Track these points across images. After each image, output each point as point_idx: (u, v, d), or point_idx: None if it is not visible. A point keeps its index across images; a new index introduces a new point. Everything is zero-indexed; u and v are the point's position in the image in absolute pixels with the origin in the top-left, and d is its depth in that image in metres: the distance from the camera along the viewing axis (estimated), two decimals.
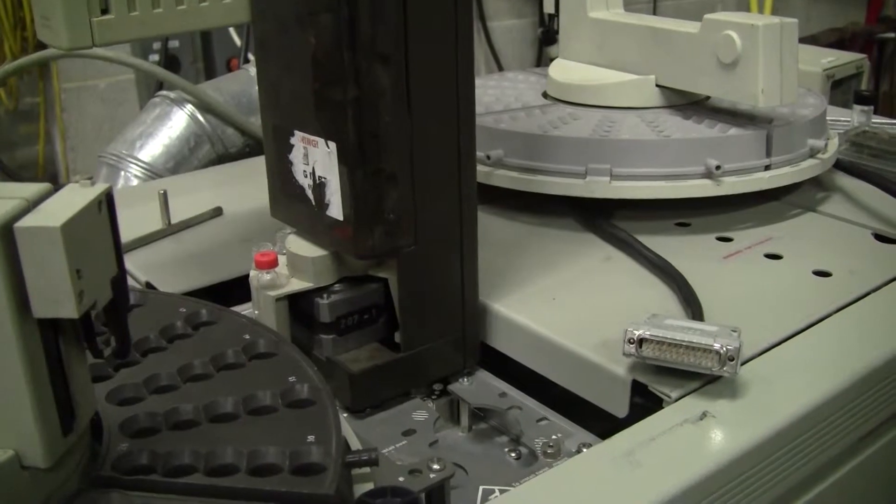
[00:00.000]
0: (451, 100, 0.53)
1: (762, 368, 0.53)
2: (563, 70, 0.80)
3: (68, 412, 0.36)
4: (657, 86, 0.75)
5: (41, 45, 1.94)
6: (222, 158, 0.89)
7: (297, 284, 0.57)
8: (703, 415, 0.49)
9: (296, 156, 0.56)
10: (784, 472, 0.49)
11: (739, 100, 0.70)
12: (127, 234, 0.69)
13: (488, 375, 0.60)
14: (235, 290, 0.67)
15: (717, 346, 0.49)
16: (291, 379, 0.44)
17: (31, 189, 0.34)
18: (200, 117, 0.87)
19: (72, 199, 0.34)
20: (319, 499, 0.36)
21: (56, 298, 0.33)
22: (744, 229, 0.70)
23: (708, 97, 0.77)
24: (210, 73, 1.92)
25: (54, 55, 0.98)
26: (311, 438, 0.40)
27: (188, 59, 1.92)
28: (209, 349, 0.47)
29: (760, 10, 1.80)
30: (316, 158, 0.54)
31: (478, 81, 0.69)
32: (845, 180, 0.77)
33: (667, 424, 0.48)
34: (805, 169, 0.70)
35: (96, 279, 0.34)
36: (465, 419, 0.58)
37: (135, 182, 0.86)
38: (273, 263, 0.57)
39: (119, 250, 0.36)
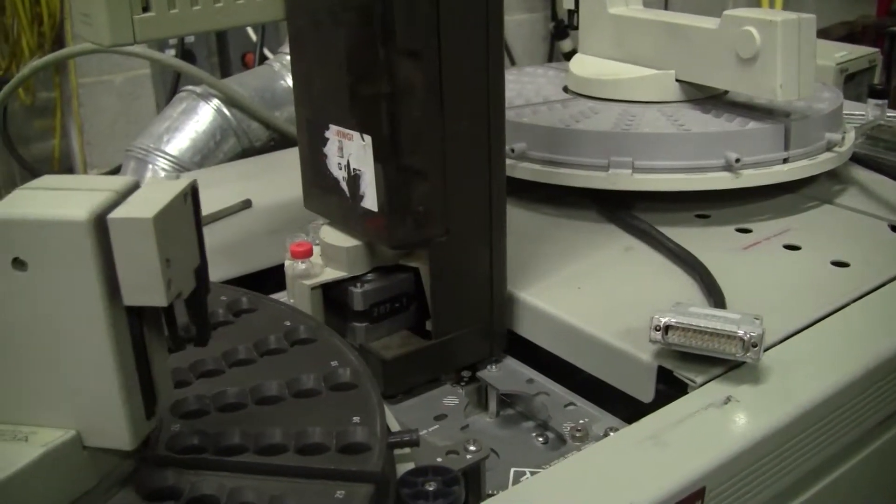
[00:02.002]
0: (482, 95, 0.55)
1: (783, 355, 0.54)
2: (584, 65, 0.81)
3: (151, 397, 0.38)
4: (676, 80, 0.76)
5: (58, 41, 1.95)
6: (247, 152, 0.91)
7: (331, 274, 0.59)
8: (727, 399, 0.51)
9: (330, 149, 0.58)
10: (805, 455, 0.51)
11: (758, 94, 0.71)
12: None
13: (515, 362, 0.62)
14: (266, 280, 0.68)
15: (740, 332, 0.51)
16: (333, 363, 0.46)
17: (120, 182, 0.36)
18: (226, 111, 0.89)
19: (159, 192, 0.35)
20: (367, 476, 0.38)
21: (146, 287, 0.34)
22: (762, 221, 0.71)
23: (726, 92, 0.79)
24: (225, 68, 1.94)
25: (76, 52, 0.99)
26: (355, 420, 0.41)
27: (203, 54, 1.94)
28: (252, 335, 0.49)
29: (772, 4, 1.81)
30: (351, 151, 0.56)
31: None
32: (861, 173, 0.79)
33: (692, 408, 0.50)
34: (822, 162, 0.72)
35: (182, 268, 0.36)
36: (493, 405, 0.60)
37: (162, 175, 0.88)
38: (308, 253, 0.59)
39: (201, 241, 0.38)
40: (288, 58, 0.97)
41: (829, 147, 0.73)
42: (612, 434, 0.54)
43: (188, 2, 0.56)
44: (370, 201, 0.56)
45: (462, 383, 0.61)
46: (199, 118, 0.89)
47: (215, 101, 0.89)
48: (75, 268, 0.34)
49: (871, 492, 0.59)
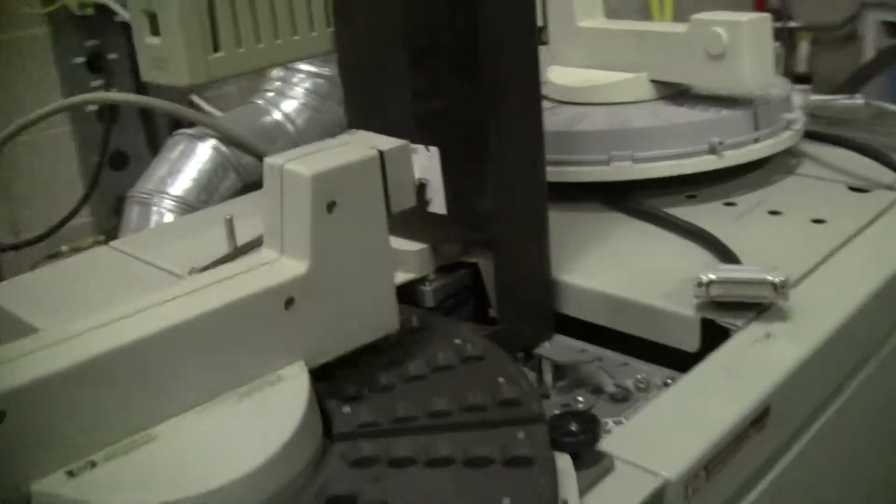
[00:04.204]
0: (533, 108, 0.63)
1: (796, 296, 0.63)
2: (562, 75, 0.90)
3: None
4: (650, 81, 0.86)
5: None
6: (248, 187, 0.96)
7: (402, 276, 0.65)
8: (767, 335, 0.60)
9: None
10: (838, 364, 0.62)
11: (728, 85, 0.82)
12: (199, 260, 0.75)
13: (564, 338, 0.69)
14: None
15: (771, 278, 0.60)
16: (458, 341, 0.52)
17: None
18: (224, 149, 0.94)
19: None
20: (536, 418, 0.45)
21: (407, 196, 0.51)
22: (743, 195, 0.82)
23: (689, 88, 0.89)
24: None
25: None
26: (501, 380, 0.48)
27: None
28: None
29: (662, 6, 1.96)
30: (416, 163, 0.63)
31: None
32: (809, 147, 0.90)
33: (743, 345, 0.59)
34: (785, 139, 0.83)
35: None
36: (548, 377, 0.67)
37: (169, 216, 0.92)
38: None
39: None
40: (270, 94, 1.03)
41: (788, 126, 0.84)
42: (670, 382, 0.62)
43: (253, 41, 0.62)
44: (438, 206, 0.63)
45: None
46: (199, 157, 0.94)
47: (212, 140, 0.94)
48: (370, 194, 0.48)
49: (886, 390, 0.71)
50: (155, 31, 0.59)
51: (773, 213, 0.78)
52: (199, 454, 0.40)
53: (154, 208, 0.92)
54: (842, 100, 0.97)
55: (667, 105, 0.85)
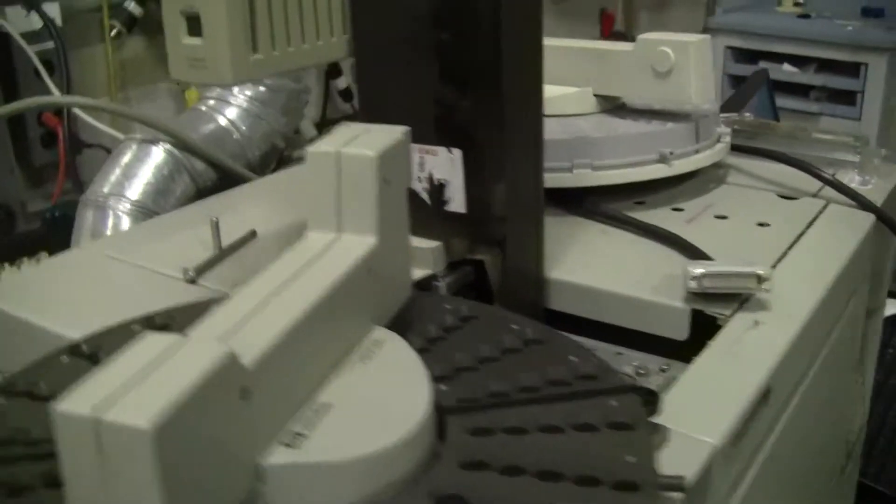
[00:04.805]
0: (535, 111, 0.68)
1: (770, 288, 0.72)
2: None
3: None
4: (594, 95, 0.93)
5: None
6: (202, 192, 0.95)
7: (419, 273, 0.68)
8: (755, 323, 0.68)
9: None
10: (812, 342, 0.71)
11: (674, 102, 0.90)
12: (183, 262, 0.76)
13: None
14: None
15: (757, 271, 0.68)
16: (515, 326, 0.57)
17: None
18: (178, 153, 0.93)
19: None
20: (625, 388, 0.50)
21: (409, 176, 0.60)
22: (687, 201, 0.90)
23: (623, 104, 0.97)
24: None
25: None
26: (573, 357, 0.53)
27: None
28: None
29: None
30: (434, 165, 0.66)
31: None
32: (731, 158, 1.00)
33: (738, 332, 0.67)
34: (720, 150, 0.92)
35: None
36: None
37: (126, 220, 0.90)
38: None
39: None
40: (212, 101, 1.03)
41: (720, 139, 0.94)
42: (665, 368, 0.68)
43: (285, 44, 0.64)
44: (457, 205, 0.67)
45: None
46: (153, 161, 0.92)
47: (165, 145, 0.93)
48: (402, 170, 0.56)
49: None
50: (194, 31, 0.60)
51: (720, 217, 0.86)
52: (378, 411, 0.43)
53: (110, 212, 0.90)
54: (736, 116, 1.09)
55: (610, 117, 0.93)
